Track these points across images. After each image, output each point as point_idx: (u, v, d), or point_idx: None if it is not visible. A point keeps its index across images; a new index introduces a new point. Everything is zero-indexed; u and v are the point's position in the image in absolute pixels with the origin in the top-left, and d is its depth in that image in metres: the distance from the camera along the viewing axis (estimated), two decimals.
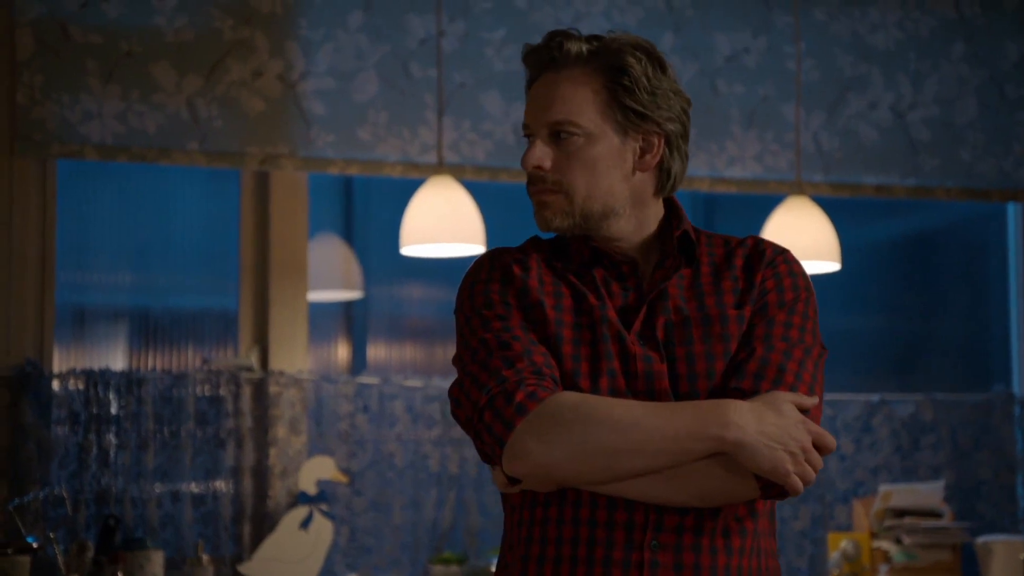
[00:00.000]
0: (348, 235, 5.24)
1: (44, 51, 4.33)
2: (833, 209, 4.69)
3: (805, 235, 4.41)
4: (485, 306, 2.01)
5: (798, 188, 4.62)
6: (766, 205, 4.60)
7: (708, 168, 4.86)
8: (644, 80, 2.03)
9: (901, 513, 4.58)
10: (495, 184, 4.74)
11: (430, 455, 4.66)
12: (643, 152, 2.05)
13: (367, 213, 5.29)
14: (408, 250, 4.23)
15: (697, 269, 2.06)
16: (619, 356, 1.97)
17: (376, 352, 5.24)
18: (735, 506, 1.94)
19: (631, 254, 2.06)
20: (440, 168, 4.30)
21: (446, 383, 4.63)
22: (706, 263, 2.07)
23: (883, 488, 4.67)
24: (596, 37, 2.05)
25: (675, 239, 2.05)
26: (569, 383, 1.95)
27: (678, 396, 1.96)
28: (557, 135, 2.03)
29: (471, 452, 4.66)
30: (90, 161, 4.38)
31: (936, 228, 5.63)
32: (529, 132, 2.06)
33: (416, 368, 5.13)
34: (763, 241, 2.10)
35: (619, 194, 2.04)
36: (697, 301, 2.02)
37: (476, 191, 4.30)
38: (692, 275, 2.05)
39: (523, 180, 4.75)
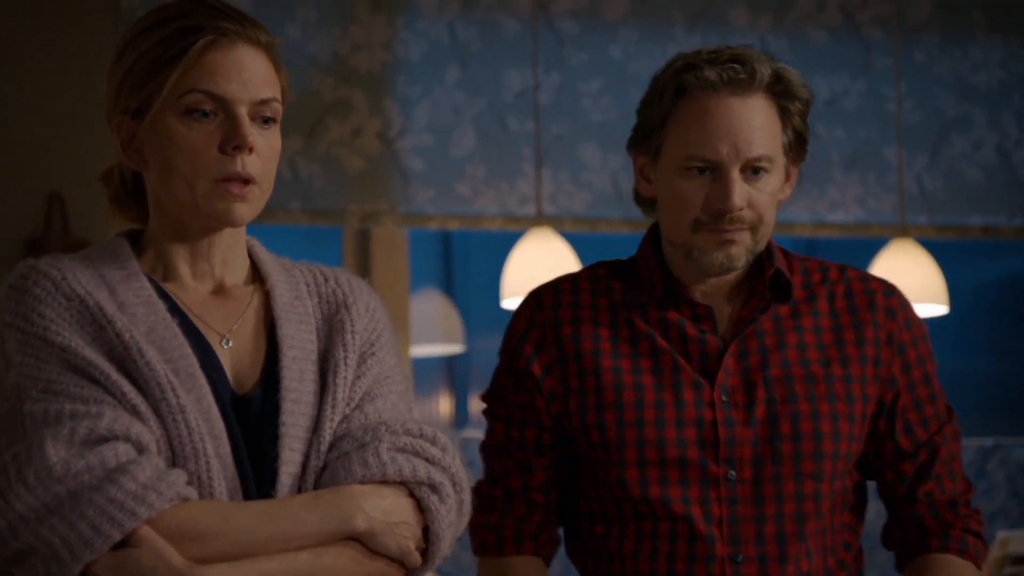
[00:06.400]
0: (448, 289, 5.26)
1: None
2: (938, 251, 4.62)
3: (911, 278, 4.34)
4: (515, 386, 2.00)
5: (902, 231, 4.55)
6: (870, 249, 4.54)
7: (810, 213, 4.81)
8: (807, 104, 1.86)
9: (1021, 560, 4.47)
10: (594, 235, 4.73)
11: None
12: (785, 180, 1.88)
13: (466, 267, 5.31)
14: (509, 303, 4.23)
15: (796, 308, 1.88)
16: (698, 407, 1.84)
17: (478, 405, 5.24)
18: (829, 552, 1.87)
19: (715, 292, 1.87)
20: (539, 220, 4.31)
21: None
22: (802, 299, 1.89)
23: (1001, 534, 4.56)
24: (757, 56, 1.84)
25: (767, 278, 1.86)
26: (649, 439, 1.84)
27: (776, 456, 1.82)
28: (753, 170, 1.82)
29: None
30: None
31: None
32: (710, 164, 1.81)
33: None
34: (868, 277, 1.94)
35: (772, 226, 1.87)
36: (798, 351, 1.86)
37: (575, 243, 4.30)
38: (791, 313, 1.88)
39: (622, 230, 4.76)
